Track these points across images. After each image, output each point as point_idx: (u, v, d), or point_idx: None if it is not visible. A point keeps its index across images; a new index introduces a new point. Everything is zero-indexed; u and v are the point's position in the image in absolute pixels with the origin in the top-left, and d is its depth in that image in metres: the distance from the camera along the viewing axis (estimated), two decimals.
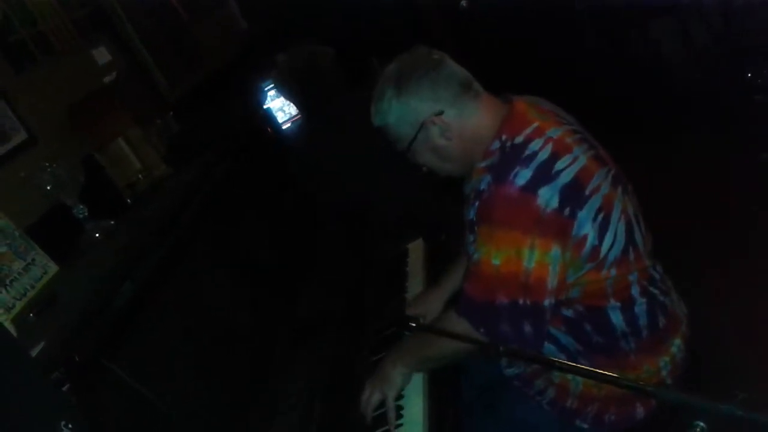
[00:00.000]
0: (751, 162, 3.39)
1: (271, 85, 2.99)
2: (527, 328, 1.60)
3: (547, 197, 1.57)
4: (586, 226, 1.61)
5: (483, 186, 1.66)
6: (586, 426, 1.79)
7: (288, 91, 2.73)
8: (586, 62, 4.35)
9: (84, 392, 1.27)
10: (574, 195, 1.60)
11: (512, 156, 1.63)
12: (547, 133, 1.65)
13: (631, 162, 1.95)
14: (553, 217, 1.58)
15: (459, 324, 1.67)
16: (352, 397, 1.89)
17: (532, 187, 1.58)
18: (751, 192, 3.26)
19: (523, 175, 1.58)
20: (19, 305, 1.80)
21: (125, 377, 1.35)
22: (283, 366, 1.92)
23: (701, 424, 1.09)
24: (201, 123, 2.73)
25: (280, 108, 3.01)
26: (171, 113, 2.70)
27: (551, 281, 1.59)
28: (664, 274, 1.84)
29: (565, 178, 1.59)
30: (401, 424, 1.78)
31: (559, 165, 1.60)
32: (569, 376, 1.77)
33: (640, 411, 1.76)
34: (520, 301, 1.59)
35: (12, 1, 2.40)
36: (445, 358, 1.80)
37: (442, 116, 1.73)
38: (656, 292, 1.76)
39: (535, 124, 1.68)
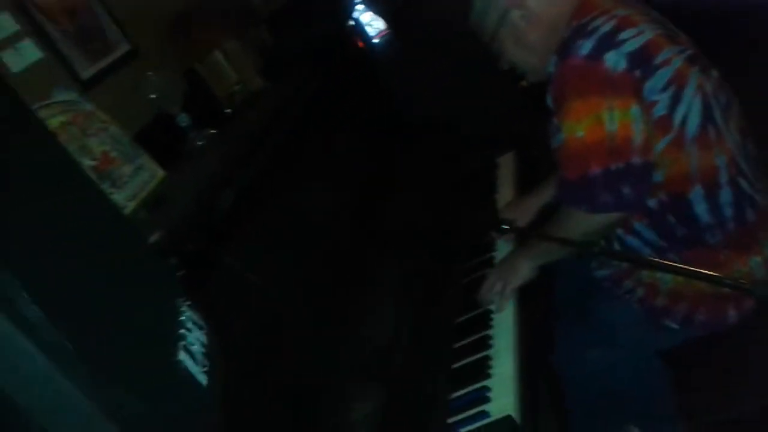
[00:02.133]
0: None
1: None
2: (626, 190, 1.62)
3: (614, 60, 1.58)
4: (655, 94, 1.60)
5: (551, 68, 1.69)
6: (675, 326, 1.80)
7: (377, 4, 2.73)
8: None
9: (197, 279, 1.37)
10: (642, 61, 1.59)
11: (575, 33, 1.65)
12: (613, 12, 1.66)
13: None
14: (624, 77, 1.58)
15: (561, 219, 1.71)
16: (445, 301, 1.95)
17: (597, 53, 1.59)
18: None
19: (586, 46, 1.60)
20: (131, 205, 1.91)
21: (235, 265, 1.43)
22: (378, 267, 1.98)
23: None
24: (293, 36, 2.76)
25: (369, 22, 3.01)
26: (265, 27, 2.75)
27: (636, 138, 1.59)
28: (759, 172, 1.79)
29: (630, 46, 1.59)
30: (491, 326, 1.83)
31: (624, 35, 1.61)
32: (658, 275, 1.78)
33: (732, 314, 1.75)
34: (612, 167, 1.60)
35: None
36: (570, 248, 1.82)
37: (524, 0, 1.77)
38: (745, 184, 1.72)
39: (605, 7, 1.68)
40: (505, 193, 2.41)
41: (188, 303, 1.15)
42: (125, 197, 1.94)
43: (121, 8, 2.40)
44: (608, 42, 1.59)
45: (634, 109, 1.58)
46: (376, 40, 2.99)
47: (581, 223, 1.68)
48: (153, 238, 1.44)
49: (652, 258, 1.34)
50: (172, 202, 1.78)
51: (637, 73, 1.58)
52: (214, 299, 1.40)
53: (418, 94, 2.66)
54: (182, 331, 1.06)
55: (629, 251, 1.81)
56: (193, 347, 1.05)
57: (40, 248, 0.88)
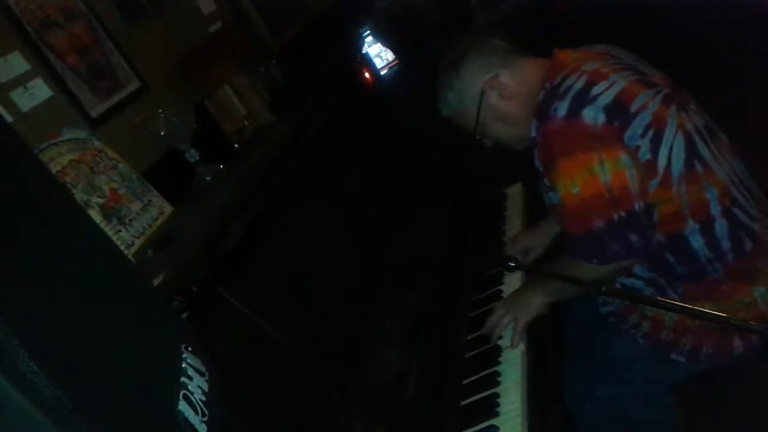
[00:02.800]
0: None
1: (369, 31, 3.02)
2: (633, 237, 1.63)
3: (592, 115, 1.61)
4: (636, 140, 1.63)
5: (533, 133, 1.74)
6: (682, 359, 1.80)
7: (386, 37, 2.75)
8: None
9: (201, 320, 1.37)
10: (618, 112, 1.62)
11: (550, 96, 1.69)
12: (582, 68, 1.70)
13: None
14: (606, 129, 1.61)
15: (571, 263, 1.72)
16: (452, 336, 1.94)
17: (574, 112, 1.63)
18: None
19: (561, 107, 1.64)
20: (138, 243, 1.92)
21: (240, 307, 1.43)
22: (384, 303, 1.98)
23: None
24: (302, 71, 2.78)
25: (378, 54, 3.03)
26: (274, 62, 2.77)
27: (633, 185, 1.61)
28: (758, 199, 1.80)
29: (604, 100, 1.63)
30: (500, 362, 1.81)
31: (596, 90, 1.64)
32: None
33: (738, 345, 1.74)
34: (615, 216, 1.62)
35: None
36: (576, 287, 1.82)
37: (498, 78, 1.85)
38: (739, 213, 1.72)
39: (573, 64, 1.72)
40: (514, 224, 2.41)
41: (190, 349, 1.14)
42: (132, 234, 1.95)
43: (131, 46, 2.43)
44: (582, 99, 1.63)
45: (624, 157, 1.61)
46: (384, 72, 3.01)
47: (591, 272, 1.69)
48: (158, 279, 1.44)
49: (659, 298, 1.33)
50: (179, 240, 1.78)
51: (616, 123, 1.62)
52: (217, 340, 1.40)
53: (426, 125, 2.66)
54: (183, 379, 1.06)
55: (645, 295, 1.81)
56: (193, 396, 1.04)
57: (36, 295, 0.88)
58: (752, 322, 1.19)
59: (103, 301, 1.02)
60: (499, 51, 1.88)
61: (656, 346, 1.82)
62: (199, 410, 1.03)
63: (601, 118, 1.61)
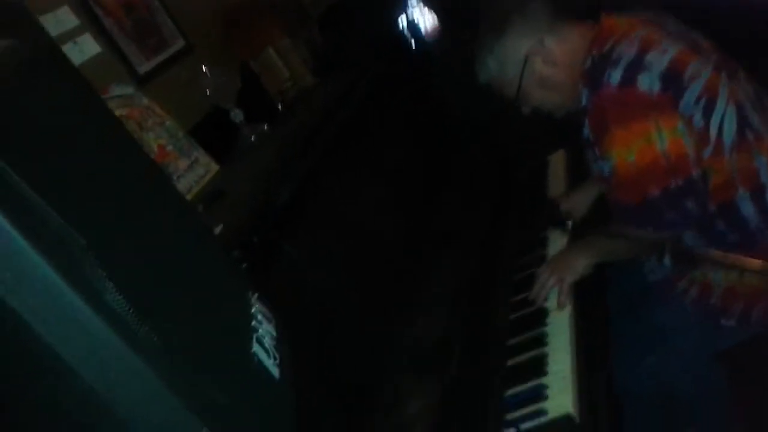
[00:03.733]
0: None
1: None
2: (690, 204, 1.62)
3: (648, 82, 1.58)
4: (689, 108, 1.60)
5: (584, 101, 1.69)
6: (732, 323, 1.78)
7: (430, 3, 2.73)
8: None
9: (261, 272, 1.38)
10: (673, 80, 1.59)
11: (601, 63, 1.65)
12: (633, 35, 1.65)
13: None
14: (662, 97, 1.58)
15: (626, 231, 1.70)
16: (497, 298, 1.94)
17: (629, 79, 1.59)
18: None
19: (615, 75, 1.60)
20: (187, 199, 1.94)
21: (296, 255, 1.44)
22: (431, 264, 1.98)
23: None
24: (344, 35, 2.77)
25: (422, 19, 3.00)
26: (317, 26, 2.76)
27: (690, 152, 1.59)
28: None
29: (659, 66, 1.59)
30: (547, 324, 1.81)
31: (650, 57, 1.60)
32: (711, 274, 1.76)
33: None
34: (672, 185, 1.59)
35: None
36: (627, 250, 1.83)
37: (543, 43, 1.78)
38: None
39: (622, 30, 1.68)
40: (556, 191, 2.40)
41: (257, 295, 1.15)
42: (180, 191, 1.97)
43: (177, 4, 2.43)
44: (637, 67, 1.59)
45: (680, 125, 1.58)
46: (428, 38, 2.99)
47: (646, 239, 1.67)
48: (216, 230, 1.45)
49: (720, 252, 1.32)
50: (229, 197, 1.80)
51: (671, 92, 1.58)
52: (276, 292, 1.41)
53: (469, 93, 2.64)
54: (254, 323, 1.07)
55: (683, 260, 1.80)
56: (264, 339, 1.05)
57: (119, 239, 0.89)
58: None
59: (177, 248, 1.03)
60: (544, 15, 1.81)
61: (706, 312, 1.81)
62: (271, 354, 1.04)
63: (657, 86, 1.57)
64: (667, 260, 1.85)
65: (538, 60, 1.79)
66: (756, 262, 1.24)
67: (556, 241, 2.10)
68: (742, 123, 1.65)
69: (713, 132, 1.62)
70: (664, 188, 1.60)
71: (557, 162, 2.54)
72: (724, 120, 1.63)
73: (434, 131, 2.53)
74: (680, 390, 1.90)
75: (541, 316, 1.85)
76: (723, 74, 1.66)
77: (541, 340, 1.76)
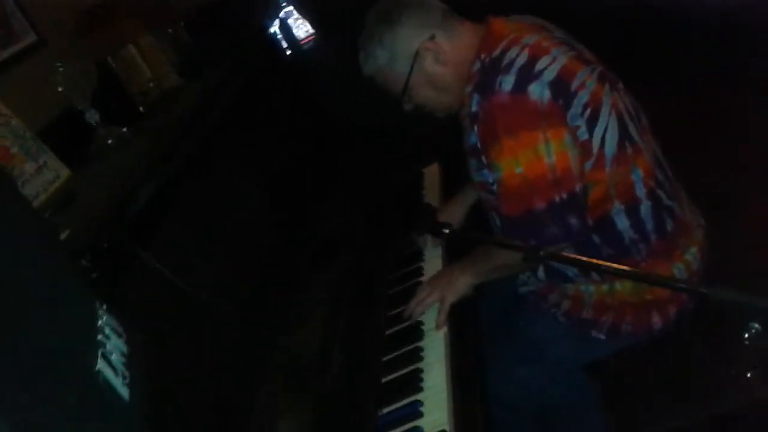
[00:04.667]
0: None
1: (286, 1, 2.90)
2: (573, 220, 1.61)
3: (539, 91, 1.56)
4: (576, 119, 1.60)
5: (474, 107, 1.64)
6: (602, 337, 1.80)
7: (304, 7, 2.65)
8: None
9: (112, 279, 1.24)
10: (561, 90, 1.58)
11: (492, 68, 1.62)
12: (522, 41, 1.64)
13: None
14: (552, 107, 1.57)
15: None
16: (373, 312, 1.87)
17: (521, 87, 1.57)
18: None
19: (507, 81, 1.57)
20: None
21: (152, 262, 1.30)
22: (305, 275, 1.89)
23: (756, 325, 1.06)
24: (213, 36, 2.64)
25: (296, 25, 2.92)
26: (182, 24, 2.61)
27: (575, 166, 1.59)
28: (674, 181, 1.82)
29: (549, 75, 1.58)
30: (422, 338, 1.76)
31: (540, 65, 1.59)
32: (582, 287, 1.78)
33: (656, 321, 1.76)
34: (556, 198, 1.58)
35: None
36: (508, 268, 1.80)
37: (435, 40, 1.73)
38: (662, 194, 1.74)
39: (511, 36, 1.66)
40: (432, 203, 2.36)
41: (105, 307, 1.02)
42: (26, 196, 1.78)
43: None
44: (528, 74, 1.57)
45: (567, 137, 1.58)
46: (302, 43, 2.90)
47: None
48: (62, 236, 1.29)
49: (599, 261, 1.30)
50: (81, 203, 1.63)
51: (560, 101, 1.58)
52: (132, 302, 1.27)
53: (343, 99, 2.58)
54: (100, 337, 0.94)
55: (556, 274, 1.79)
56: (112, 356, 0.93)
57: None
58: (699, 287, 1.16)
59: (13, 254, 0.89)
60: (438, 10, 1.76)
61: (577, 324, 1.81)
62: (120, 372, 0.91)
63: (547, 95, 1.56)
64: (541, 273, 1.84)
65: (428, 56, 1.74)
66: (624, 268, 1.22)
67: (433, 254, 2.06)
68: (623, 135, 1.66)
69: (596, 144, 1.62)
70: (549, 202, 1.58)
71: (432, 175, 2.52)
72: (607, 132, 1.63)
73: (307, 135, 2.44)
74: (554, 401, 1.90)
75: (416, 330, 1.80)
76: (606, 85, 1.67)
77: (416, 355, 1.71)
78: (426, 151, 2.62)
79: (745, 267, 1.93)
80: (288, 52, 2.77)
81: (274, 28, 2.80)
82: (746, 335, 1.05)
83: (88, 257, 1.23)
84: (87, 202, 1.62)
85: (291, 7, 2.88)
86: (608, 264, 1.23)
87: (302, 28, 2.93)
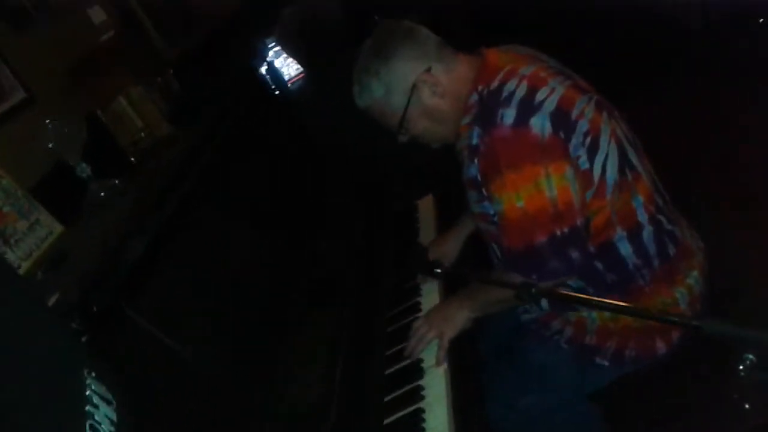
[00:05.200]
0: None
1: (274, 42, 2.93)
2: (574, 254, 1.60)
3: (540, 124, 1.56)
4: (578, 150, 1.60)
5: (475, 140, 1.63)
6: (606, 363, 1.78)
7: (292, 47, 2.66)
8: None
9: (103, 343, 1.23)
10: (562, 121, 1.58)
11: (492, 101, 1.61)
12: (519, 72, 1.64)
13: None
14: (553, 141, 1.56)
15: (505, 277, 1.64)
16: (372, 353, 1.86)
17: (522, 120, 1.56)
18: None
19: (509, 114, 1.57)
20: (25, 265, 1.76)
21: (144, 324, 1.30)
22: (300, 321, 1.88)
23: (751, 356, 1.05)
24: (202, 81, 2.66)
25: (284, 65, 2.94)
26: (171, 72, 2.63)
27: (576, 200, 1.58)
28: (672, 205, 1.81)
29: (549, 106, 1.58)
30: (423, 376, 1.75)
31: (540, 96, 1.59)
32: (585, 313, 1.76)
33: (660, 346, 1.74)
34: (558, 232, 1.57)
35: None
36: (506, 302, 1.75)
37: (431, 72, 1.72)
38: (663, 219, 1.73)
39: (507, 68, 1.65)
40: (427, 235, 2.36)
41: (94, 375, 1.02)
42: (19, 256, 1.79)
43: (16, 53, 2.25)
44: (529, 106, 1.57)
45: (569, 170, 1.57)
46: (290, 83, 2.92)
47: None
48: (52, 300, 1.29)
49: (590, 297, 1.29)
50: (72, 260, 1.63)
51: (561, 133, 1.57)
52: (124, 364, 1.26)
53: (336, 136, 2.59)
54: (89, 407, 0.93)
55: (559, 303, 1.78)
56: (101, 426, 0.92)
57: None
58: (693, 319, 1.15)
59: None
60: (433, 42, 1.75)
61: (580, 351, 1.80)
62: None
63: (548, 129, 1.55)
64: (544, 303, 1.82)
65: (425, 89, 1.73)
66: (616, 303, 1.22)
67: (430, 288, 2.05)
68: (623, 162, 1.66)
69: (597, 172, 1.62)
70: (550, 235, 1.57)
71: (426, 207, 2.52)
72: (608, 160, 1.63)
73: (299, 175, 2.44)
74: (557, 429, 1.87)
75: (417, 368, 1.78)
76: (604, 113, 1.67)
77: (417, 394, 1.69)
78: (419, 183, 2.62)
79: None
80: (277, 92, 2.78)
81: (263, 68, 2.81)
82: (741, 367, 1.04)
83: (78, 320, 1.22)
84: (79, 258, 1.62)
85: (279, 47, 2.90)
86: (599, 299, 1.23)
87: (291, 67, 2.95)
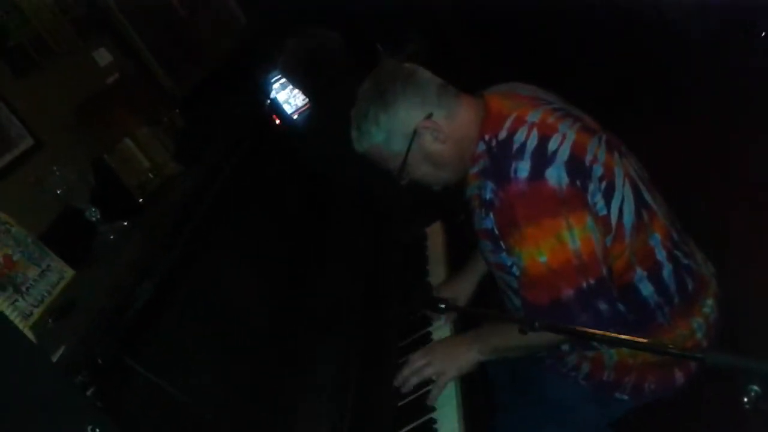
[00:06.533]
0: None
1: (278, 76, 2.95)
2: (602, 306, 1.55)
3: (556, 176, 1.53)
4: (595, 196, 1.57)
5: (488, 195, 1.59)
6: (626, 397, 1.75)
7: (296, 79, 2.68)
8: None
9: (109, 395, 1.23)
10: (578, 168, 1.55)
11: (502, 154, 1.58)
12: (527, 120, 1.61)
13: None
14: (571, 191, 1.53)
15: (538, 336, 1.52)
16: (382, 384, 1.85)
17: (537, 173, 1.53)
18: None
19: (522, 168, 1.54)
20: (37, 312, 1.77)
21: (150, 376, 1.30)
22: (309, 357, 1.87)
23: (755, 388, 1.04)
24: (208, 118, 2.68)
25: (288, 99, 2.96)
26: (177, 111, 2.66)
27: (598, 249, 1.54)
28: (684, 234, 1.79)
29: (563, 155, 1.55)
30: (435, 409, 1.74)
31: (552, 145, 1.56)
32: (603, 348, 1.72)
33: (679, 376, 1.72)
34: (584, 285, 1.53)
35: (7, 5, 2.36)
36: (517, 349, 1.74)
37: (433, 118, 1.68)
38: (679, 254, 1.71)
39: (513, 115, 1.62)
40: (437, 263, 2.36)
41: (98, 429, 1.02)
42: (30, 303, 1.80)
43: (23, 101, 2.28)
44: (542, 158, 1.54)
45: (589, 220, 1.54)
46: (295, 117, 2.94)
47: (551, 339, 1.63)
48: (58, 353, 1.30)
49: (598, 331, 1.27)
50: (82, 306, 1.64)
51: (578, 182, 1.54)
52: (130, 417, 1.27)
53: (341, 168, 2.60)
54: None
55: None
56: None
57: None
58: (694, 352, 1.14)
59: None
60: (434, 89, 1.71)
61: (598, 387, 1.76)
62: None
63: (565, 180, 1.52)
64: (566, 346, 1.79)
65: (427, 135, 1.69)
66: (621, 337, 1.21)
67: (441, 321, 2.04)
68: (639, 203, 1.64)
69: (614, 217, 1.59)
70: (577, 288, 1.53)
71: (435, 235, 2.52)
72: (624, 203, 1.61)
73: (307, 211, 2.45)
74: None
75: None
76: (615, 153, 1.65)
77: (429, 427, 1.69)
78: (428, 212, 2.61)
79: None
80: (283, 125, 2.80)
81: (268, 101, 2.83)
82: (746, 399, 1.03)
83: (83, 373, 1.23)
84: (87, 305, 1.63)
85: (284, 79, 2.92)
86: (603, 332, 1.22)
87: (297, 98, 2.97)
